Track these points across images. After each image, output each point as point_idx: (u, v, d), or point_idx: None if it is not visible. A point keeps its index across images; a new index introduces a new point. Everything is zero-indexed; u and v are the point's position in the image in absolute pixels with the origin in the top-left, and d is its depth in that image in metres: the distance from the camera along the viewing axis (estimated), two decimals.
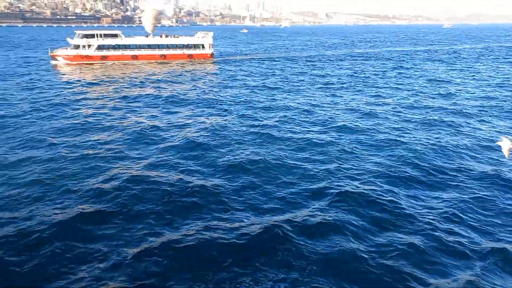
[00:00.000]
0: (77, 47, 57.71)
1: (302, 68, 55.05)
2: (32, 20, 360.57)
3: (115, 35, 59.06)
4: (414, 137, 21.31)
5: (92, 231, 11.74)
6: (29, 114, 26.27)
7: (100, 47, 57.67)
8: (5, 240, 11.03)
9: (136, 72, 49.67)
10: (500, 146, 12.28)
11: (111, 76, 46.03)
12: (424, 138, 20.97)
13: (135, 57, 59.37)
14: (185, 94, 34.80)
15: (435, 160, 17.69)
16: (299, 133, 22.22)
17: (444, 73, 48.79)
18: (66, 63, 57.30)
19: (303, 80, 43.42)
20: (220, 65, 59.24)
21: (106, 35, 58.56)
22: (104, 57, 57.85)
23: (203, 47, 63.83)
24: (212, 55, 64.89)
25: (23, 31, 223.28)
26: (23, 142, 20.02)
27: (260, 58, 70.17)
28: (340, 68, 55.21)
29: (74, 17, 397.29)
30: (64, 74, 48.69)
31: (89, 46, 57.37)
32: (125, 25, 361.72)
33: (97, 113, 26.98)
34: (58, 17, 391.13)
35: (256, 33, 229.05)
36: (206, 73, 50.67)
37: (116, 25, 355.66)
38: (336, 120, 25.10)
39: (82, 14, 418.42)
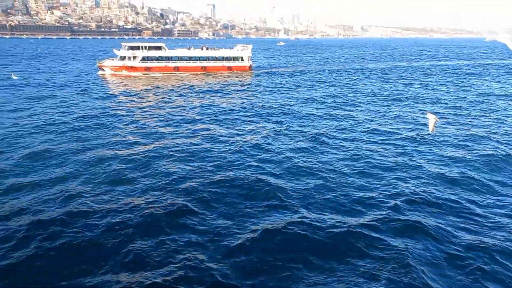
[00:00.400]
0: (123, 58, 60.43)
1: (347, 80, 54.63)
2: (79, 32, 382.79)
3: (159, 47, 61.46)
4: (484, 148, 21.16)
5: (182, 226, 12.70)
6: (87, 121, 27.77)
7: (144, 59, 60.05)
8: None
9: (179, 83, 51.17)
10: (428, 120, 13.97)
11: (156, 86, 47.75)
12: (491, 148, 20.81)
13: (176, 69, 61.32)
14: (232, 104, 35.42)
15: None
16: (357, 141, 22.68)
17: None
18: (112, 73, 60.08)
19: (348, 93, 43.01)
20: (259, 77, 59.97)
21: (150, 47, 61.05)
22: (147, 68, 60.14)
23: (242, 59, 65.02)
24: (250, 67, 65.91)
25: (71, 42, 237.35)
26: (101, 143, 21.38)
27: (298, 71, 70.42)
28: (387, 81, 54.26)
29: (117, 30, 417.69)
30: (110, 84, 51.10)
31: (134, 57, 59.86)
32: (165, 38, 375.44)
33: (152, 121, 28.02)
34: (103, 29, 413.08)
35: (292, 45, 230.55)
36: (247, 84, 51.41)
37: (156, 38, 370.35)
38: (399, 131, 25.21)
39: (125, 27, 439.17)
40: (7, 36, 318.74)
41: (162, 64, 60.84)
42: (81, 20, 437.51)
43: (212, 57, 63.90)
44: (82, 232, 12.08)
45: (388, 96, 41.19)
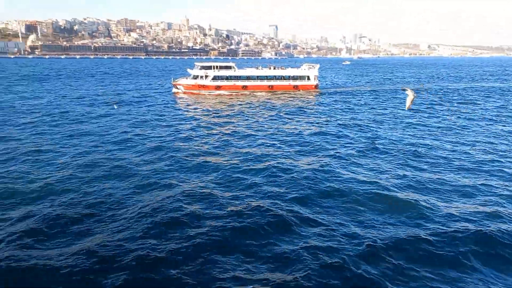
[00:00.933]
0: (195, 77, 64.22)
1: (420, 101, 52.40)
2: (152, 53, 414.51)
3: (229, 67, 64.45)
4: None
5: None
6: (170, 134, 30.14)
7: (215, 78, 63.21)
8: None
9: (247, 101, 53.01)
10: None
11: (226, 104, 50.01)
12: None
13: (245, 87, 63.64)
14: (300, 124, 35.95)
15: None
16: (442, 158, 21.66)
17: None
18: (185, 91, 64.02)
19: (426, 115, 41.39)
20: (327, 96, 59.94)
21: (221, 67, 64.24)
22: (218, 87, 63.14)
23: (308, 78, 65.68)
24: (317, 86, 66.27)
25: (146, 62, 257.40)
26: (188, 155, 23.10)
27: (369, 90, 69.23)
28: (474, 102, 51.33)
29: (187, 50, 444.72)
30: (184, 101, 54.47)
31: (206, 76, 63.35)
32: (230, 57, 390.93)
33: (228, 137, 29.51)
34: (174, 50, 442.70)
35: (357, 65, 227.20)
36: (315, 103, 51.66)
37: (221, 58, 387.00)
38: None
39: (193, 47, 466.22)
40: (92, 56, 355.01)
41: (231, 83, 63.53)
42: (154, 41, 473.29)
43: (278, 76, 65.45)
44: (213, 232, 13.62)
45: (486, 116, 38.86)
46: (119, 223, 14.54)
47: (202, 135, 30.65)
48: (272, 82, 64.67)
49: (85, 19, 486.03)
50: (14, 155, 23.45)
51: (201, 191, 17.70)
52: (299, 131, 32.27)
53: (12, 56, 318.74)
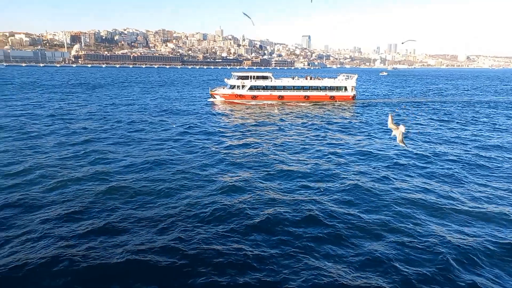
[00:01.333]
0: (232, 87, 65.53)
1: (472, 116, 50.34)
2: (188, 62, 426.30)
3: (266, 77, 65.31)
4: None
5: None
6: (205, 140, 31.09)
7: (252, 88, 64.19)
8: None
9: (283, 111, 53.46)
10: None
11: (265, 113, 50.63)
12: None
13: (281, 97, 64.19)
14: (337, 137, 35.88)
15: None
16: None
17: None
18: (222, 100, 65.37)
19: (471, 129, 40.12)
20: (365, 107, 59.30)
21: (258, 77, 65.19)
22: (254, 97, 64.03)
23: (345, 89, 65.35)
24: (354, 97, 65.79)
25: (182, 71, 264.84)
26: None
27: (411, 102, 67.83)
28: None
29: (221, 60, 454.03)
30: (222, 110, 55.62)
31: (243, 86, 64.49)
32: (262, 67, 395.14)
33: (266, 148, 30.03)
34: (208, 60, 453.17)
35: (394, 76, 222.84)
36: (353, 115, 51.18)
37: (255, 67, 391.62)
38: None
39: (227, 57, 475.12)
40: (131, 65, 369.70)
41: (268, 93, 64.28)
42: (190, 52, 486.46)
43: (315, 86, 65.57)
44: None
45: None
46: (197, 223, 15.33)
47: (242, 144, 31.27)
48: (308, 93, 64.85)
49: (125, 29, 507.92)
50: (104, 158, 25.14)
51: (269, 196, 18.45)
52: (345, 142, 32.23)
53: (58, 65, 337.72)
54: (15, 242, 13.67)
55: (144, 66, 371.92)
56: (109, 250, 13.21)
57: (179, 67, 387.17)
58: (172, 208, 16.97)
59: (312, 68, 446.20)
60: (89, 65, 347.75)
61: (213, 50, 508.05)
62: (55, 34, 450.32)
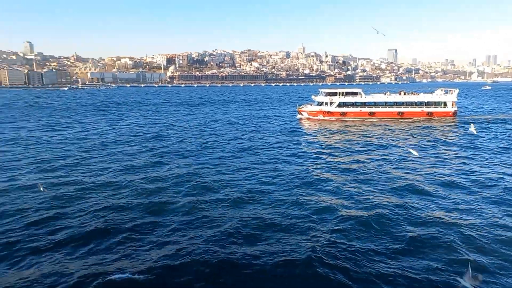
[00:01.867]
0: (320, 103, 64.61)
1: None
2: (272, 80, 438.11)
3: (355, 93, 63.27)
4: None
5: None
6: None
7: (340, 104, 62.65)
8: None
9: (378, 128, 50.98)
10: None
11: (356, 131, 48.92)
12: None
13: (372, 114, 61.38)
14: (443, 162, 32.97)
15: None
16: None
17: None
18: (309, 118, 64.70)
19: None
20: (470, 124, 53.66)
21: (347, 93, 63.43)
22: (343, 114, 62.25)
23: (445, 104, 60.13)
24: (455, 113, 60.11)
25: (265, 88, 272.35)
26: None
27: None
28: None
29: (303, 77, 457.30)
30: (309, 127, 55.17)
31: (331, 103, 63.26)
32: (346, 83, 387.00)
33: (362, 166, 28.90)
34: (291, 77, 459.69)
35: (499, 89, 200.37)
36: (460, 133, 46.82)
37: (338, 83, 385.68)
38: None
39: (310, 74, 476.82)
40: (219, 84, 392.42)
41: (357, 109, 62.04)
42: (273, 70, 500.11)
43: (409, 102, 61.54)
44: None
45: None
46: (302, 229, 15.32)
47: (334, 163, 30.48)
48: (402, 109, 61.08)
49: (213, 51, 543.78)
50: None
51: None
52: (447, 165, 29.47)
53: (156, 85, 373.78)
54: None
55: (231, 84, 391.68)
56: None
57: (263, 84, 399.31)
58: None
59: (400, 82, 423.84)
60: (183, 85, 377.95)
61: (296, 68, 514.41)
62: (153, 57, 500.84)
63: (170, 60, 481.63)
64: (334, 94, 63.93)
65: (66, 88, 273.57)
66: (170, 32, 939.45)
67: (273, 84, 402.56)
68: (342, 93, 63.51)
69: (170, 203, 19.96)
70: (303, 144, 39.99)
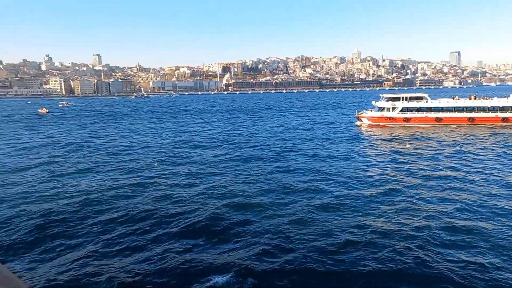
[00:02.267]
0: (381, 109, 62.62)
1: None
2: (326, 86, 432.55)
3: (420, 98, 60.66)
4: None
5: None
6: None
7: (403, 110, 60.34)
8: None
9: (447, 135, 48.60)
10: None
11: (422, 137, 46.95)
12: None
13: (438, 120, 58.42)
14: None
15: None
16: None
17: None
18: (369, 124, 62.95)
19: None
20: None
21: (411, 98, 60.97)
22: (406, 119, 59.86)
23: None
24: None
25: (321, 94, 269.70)
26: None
27: None
28: None
29: (359, 82, 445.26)
30: (371, 134, 53.88)
31: (393, 108, 61.18)
32: (405, 88, 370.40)
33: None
34: (346, 82, 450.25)
35: None
36: None
37: (396, 88, 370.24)
38: None
39: (366, 79, 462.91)
40: (272, 91, 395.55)
41: (422, 115, 59.36)
42: (327, 75, 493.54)
43: (481, 107, 57.69)
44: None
45: None
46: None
47: (404, 172, 29.72)
48: (473, 114, 57.39)
49: (267, 58, 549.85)
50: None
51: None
52: None
53: (213, 93, 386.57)
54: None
55: (284, 91, 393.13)
56: None
57: (317, 90, 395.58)
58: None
59: (464, 86, 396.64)
60: (238, 92, 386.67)
61: (351, 73, 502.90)
62: (209, 66, 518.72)
63: (225, 68, 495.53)
64: (397, 99, 61.83)
65: (133, 97, 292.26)
66: (225, 42, 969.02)
67: (327, 90, 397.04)
68: (406, 98, 61.28)
69: (258, 204, 20.95)
70: (369, 150, 39.42)
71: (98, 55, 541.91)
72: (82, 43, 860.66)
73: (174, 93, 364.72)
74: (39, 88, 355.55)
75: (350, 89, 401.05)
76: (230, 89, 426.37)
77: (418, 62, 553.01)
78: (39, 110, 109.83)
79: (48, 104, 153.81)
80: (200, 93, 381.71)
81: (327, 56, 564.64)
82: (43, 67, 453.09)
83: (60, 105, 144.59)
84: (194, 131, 60.42)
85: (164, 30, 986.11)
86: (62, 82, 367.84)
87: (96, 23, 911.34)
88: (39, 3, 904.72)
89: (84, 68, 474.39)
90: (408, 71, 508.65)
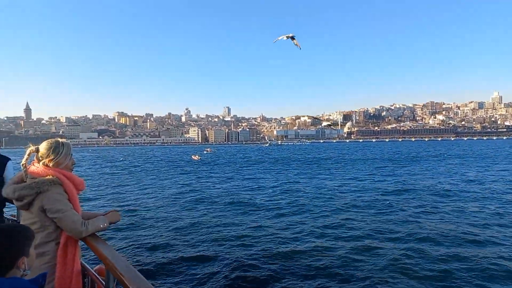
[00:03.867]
0: None
1: None
2: (463, 133, 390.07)
3: None
4: None
5: None
6: None
7: None
8: None
9: None
10: None
11: None
12: None
13: None
14: None
15: None
16: None
17: None
18: None
19: None
20: None
21: None
22: None
23: None
24: None
25: (458, 143, 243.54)
26: None
27: None
28: None
29: (505, 130, 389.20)
30: None
31: None
32: None
33: None
34: (488, 130, 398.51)
35: None
36: None
37: None
38: None
39: None
40: (400, 139, 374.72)
41: None
42: (463, 122, 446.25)
43: None
44: None
45: None
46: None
47: None
48: None
49: (391, 105, 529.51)
50: None
51: None
52: None
53: (335, 141, 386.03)
54: None
55: (413, 139, 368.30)
56: None
57: (452, 138, 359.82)
58: None
59: None
60: (361, 140, 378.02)
61: (493, 119, 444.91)
62: (330, 115, 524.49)
63: (347, 117, 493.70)
64: None
65: (267, 144, 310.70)
66: (344, 90, 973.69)
67: (465, 138, 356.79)
68: None
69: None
70: None
71: (228, 107, 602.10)
72: (214, 96, 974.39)
73: (308, 142, 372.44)
74: (180, 137, 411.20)
75: (494, 138, 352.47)
76: (352, 137, 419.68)
77: None
78: (192, 157, 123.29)
79: (188, 152, 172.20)
80: (321, 141, 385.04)
81: (461, 102, 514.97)
82: (183, 119, 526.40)
83: (205, 152, 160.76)
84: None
85: (284, 83, 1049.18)
86: (200, 132, 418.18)
87: (226, 79, 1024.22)
88: (187, 68, 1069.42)
89: (216, 119, 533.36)
90: None
